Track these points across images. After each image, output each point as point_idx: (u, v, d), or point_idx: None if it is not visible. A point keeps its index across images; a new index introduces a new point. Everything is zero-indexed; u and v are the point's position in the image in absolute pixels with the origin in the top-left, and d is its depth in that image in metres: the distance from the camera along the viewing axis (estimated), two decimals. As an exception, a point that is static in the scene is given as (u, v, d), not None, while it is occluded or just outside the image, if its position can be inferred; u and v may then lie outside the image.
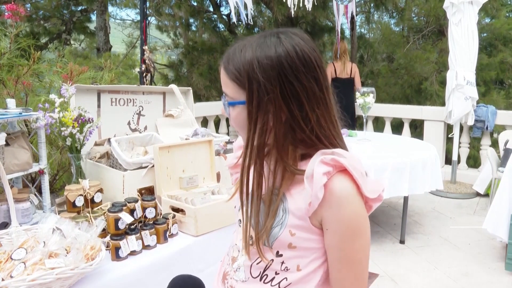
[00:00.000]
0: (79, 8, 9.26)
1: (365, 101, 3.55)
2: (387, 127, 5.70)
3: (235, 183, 1.10)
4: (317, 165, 0.85)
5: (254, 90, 0.87)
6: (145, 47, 3.00)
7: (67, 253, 1.26)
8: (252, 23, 3.99)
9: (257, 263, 0.96)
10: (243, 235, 0.96)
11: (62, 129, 1.77)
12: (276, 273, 0.93)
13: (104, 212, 1.62)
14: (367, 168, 3.05)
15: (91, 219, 1.59)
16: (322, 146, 0.91)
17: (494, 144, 5.29)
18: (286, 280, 0.93)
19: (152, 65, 2.86)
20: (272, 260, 0.93)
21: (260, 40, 0.90)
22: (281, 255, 0.92)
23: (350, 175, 0.86)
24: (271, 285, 0.94)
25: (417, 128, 6.71)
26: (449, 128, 5.26)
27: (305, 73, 0.87)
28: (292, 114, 0.88)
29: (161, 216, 1.68)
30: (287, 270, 0.92)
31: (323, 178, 0.84)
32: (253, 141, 0.90)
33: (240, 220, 1.03)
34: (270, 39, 0.89)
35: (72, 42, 10.14)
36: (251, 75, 0.87)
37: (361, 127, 5.25)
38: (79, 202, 1.66)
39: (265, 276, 0.94)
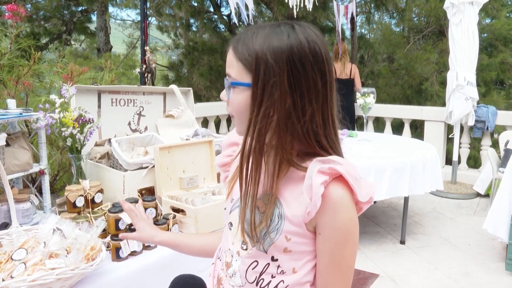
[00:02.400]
0: (80, 9, 9.27)
1: (366, 101, 3.55)
2: (388, 127, 5.70)
3: (226, 183, 1.09)
4: (315, 176, 0.85)
5: (261, 72, 0.87)
6: (146, 48, 3.00)
7: (67, 253, 1.26)
8: (253, 23, 3.99)
9: (253, 268, 0.95)
10: (241, 219, 0.94)
11: (62, 129, 1.77)
12: (272, 277, 0.93)
13: (105, 213, 1.62)
14: (367, 169, 3.02)
15: (91, 219, 1.59)
16: (315, 141, 0.90)
17: (495, 144, 5.29)
18: (283, 282, 0.92)
19: (152, 65, 2.86)
20: (268, 264, 0.93)
21: (273, 27, 0.90)
22: (276, 260, 0.92)
23: (346, 182, 0.86)
24: None
25: (417, 128, 6.71)
26: (449, 128, 5.26)
27: (312, 63, 0.87)
28: (294, 101, 0.87)
29: (162, 217, 1.68)
30: (283, 273, 0.92)
31: (321, 188, 0.84)
32: (255, 124, 0.88)
33: (230, 223, 1.02)
34: (284, 27, 0.89)
35: (72, 42, 10.16)
36: (260, 56, 0.87)
37: (361, 128, 5.25)
38: (80, 202, 1.66)
39: (262, 281, 0.94)
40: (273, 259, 0.92)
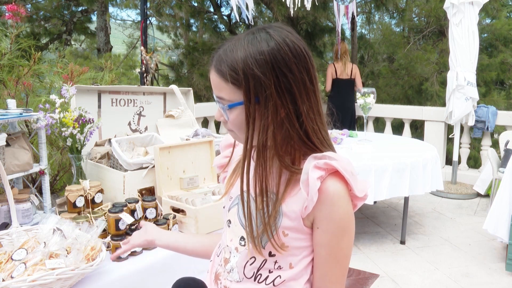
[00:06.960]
0: (80, 9, 9.27)
1: (366, 101, 3.55)
2: (388, 127, 5.70)
3: (224, 183, 1.10)
4: (311, 171, 0.86)
5: (251, 87, 0.86)
6: (141, 48, 3.00)
7: (67, 253, 1.26)
8: (253, 23, 3.98)
9: (251, 264, 0.97)
10: (249, 233, 0.95)
11: (62, 129, 1.77)
12: (269, 272, 0.95)
13: (105, 213, 1.62)
14: (367, 169, 3.03)
15: (91, 219, 1.59)
16: (310, 143, 0.91)
17: (495, 144, 5.29)
18: (280, 277, 0.94)
19: (151, 65, 2.86)
20: (266, 260, 0.95)
21: (249, 37, 0.89)
22: (274, 255, 0.94)
23: (342, 177, 0.88)
24: (266, 284, 0.95)
25: (417, 128, 6.72)
26: (449, 128, 5.26)
27: (297, 64, 0.87)
28: (287, 108, 0.88)
29: (162, 217, 1.68)
30: (280, 268, 0.94)
31: (317, 182, 0.86)
32: (252, 140, 0.89)
33: (229, 220, 1.04)
34: (260, 35, 0.88)
35: (72, 42, 10.15)
36: (247, 72, 0.86)
37: (361, 128, 5.26)
38: (80, 202, 1.66)
39: (259, 276, 0.96)
40: (270, 254, 0.94)
